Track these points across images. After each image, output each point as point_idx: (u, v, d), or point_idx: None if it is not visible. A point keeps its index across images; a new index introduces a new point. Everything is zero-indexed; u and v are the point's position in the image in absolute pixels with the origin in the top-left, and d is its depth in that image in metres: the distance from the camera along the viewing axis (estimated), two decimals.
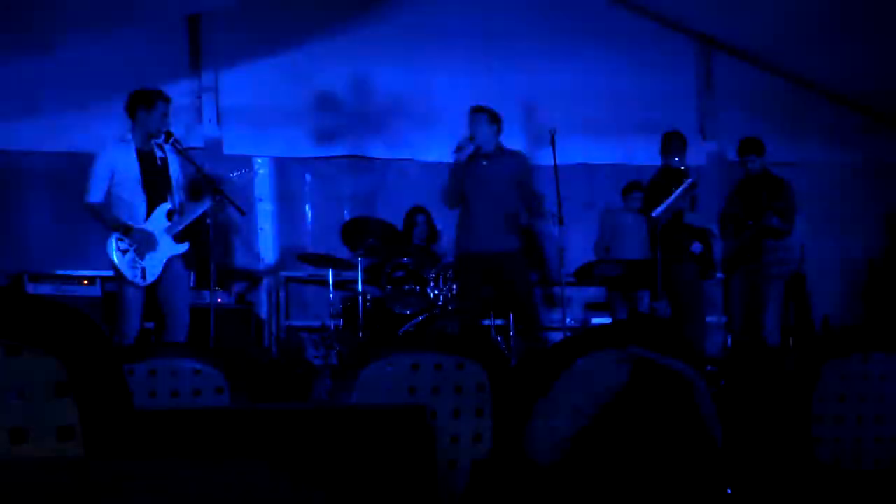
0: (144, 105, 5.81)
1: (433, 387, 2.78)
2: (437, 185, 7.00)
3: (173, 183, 5.91)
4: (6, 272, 6.96)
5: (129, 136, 5.82)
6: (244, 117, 8.10)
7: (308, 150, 8.30)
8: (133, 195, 5.77)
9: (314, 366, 6.11)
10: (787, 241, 6.87)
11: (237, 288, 7.70)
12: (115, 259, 5.65)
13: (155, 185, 5.81)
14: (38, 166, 7.65)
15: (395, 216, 7.83)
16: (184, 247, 5.87)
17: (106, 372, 1.68)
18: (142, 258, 5.70)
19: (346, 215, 8.00)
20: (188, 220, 5.92)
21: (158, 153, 5.90)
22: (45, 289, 6.57)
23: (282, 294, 8.02)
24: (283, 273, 8.06)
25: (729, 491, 3.46)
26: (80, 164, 7.49)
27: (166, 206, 5.84)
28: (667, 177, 6.75)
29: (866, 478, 3.28)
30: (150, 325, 6.29)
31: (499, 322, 7.65)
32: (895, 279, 8.92)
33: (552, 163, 6.89)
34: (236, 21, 8.12)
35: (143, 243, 5.68)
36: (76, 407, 1.65)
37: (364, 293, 7.19)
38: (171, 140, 5.81)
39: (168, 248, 5.81)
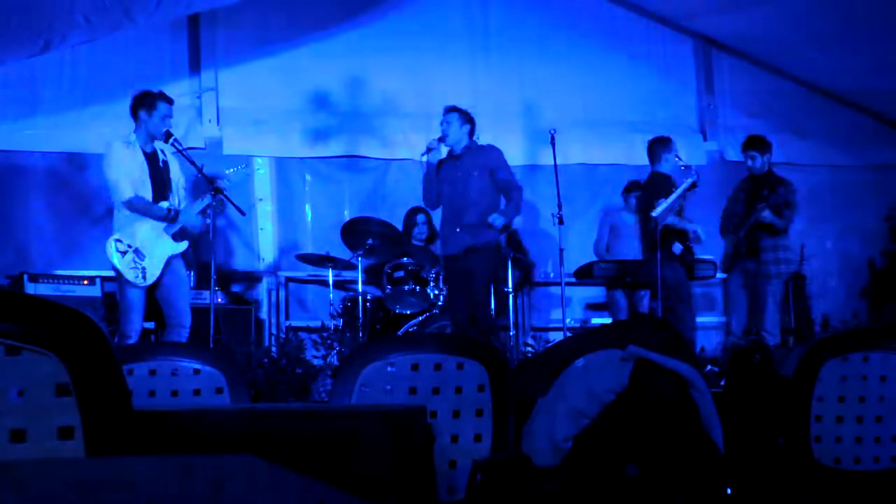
0: (146, 107, 5.83)
1: (433, 387, 2.77)
2: None
3: (173, 184, 5.93)
4: (6, 272, 6.96)
5: (134, 137, 5.83)
6: (244, 117, 8.10)
7: (308, 150, 8.29)
8: (142, 194, 5.79)
9: (314, 366, 6.09)
10: (786, 240, 6.87)
11: (237, 288, 7.69)
12: (115, 260, 5.65)
13: (157, 186, 5.84)
14: (38, 166, 7.64)
15: (395, 216, 7.82)
16: (183, 245, 5.89)
17: (106, 372, 1.68)
18: (142, 258, 5.71)
19: (346, 215, 8.00)
20: (186, 218, 5.93)
21: (161, 155, 5.93)
22: (45, 289, 6.56)
23: (282, 294, 8.01)
24: (283, 273, 8.06)
25: (729, 491, 3.46)
26: (79, 164, 7.53)
27: (165, 205, 5.85)
28: (654, 183, 6.78)
29: (866, 478, 3.28)
30: (150, 325, 6.29)
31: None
32: (895, 279, 8.92)
33: (552, 163, 6.90)
34: (236, 21, 8.12)
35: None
36: (76, 407, 1.65)
37: (364, 293, 7.20)
38: (171, 140, 5.83)
39: (168, 248, 5.82)
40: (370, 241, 7.31)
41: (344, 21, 8.41)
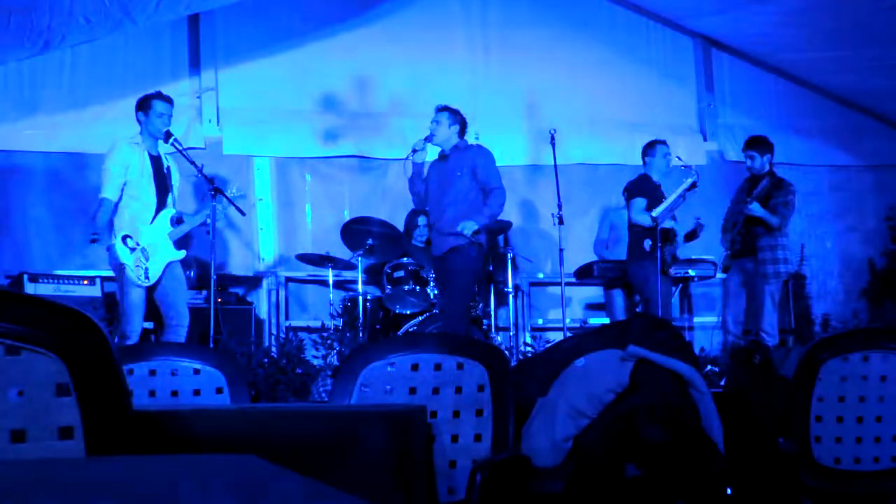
0: (143, 108, 5.86)
1: (433, 387, 2.77)
2: None
3: (175, 190, 5.98)
4: (6, 272, 6.96)
5: (139, 138, 5.85)
6: (244, 117, 8.10)
7: (308, 150, 8.29)
8: (145, 196, 5.81)
9: (314, 366, 6.09)
10: (783, 240, 6.86)
11: (237, 288, 7.69)
12: (123, 257, 5.67)
13: (161, 191, 5.87)
14: (38, 166, 7.64)
15: (395, 216, 7.82)
16: (182, 254, 5.97)
17: (106, 372, 1.68)
18: (147, 259, 5.74)
19: (346, 215, 7.99)
20: (189, 228, 6.01)
21: (165, 161, 5.96)
22: (45, 289, 6.56)
23: (282, 294, 8.01)
24: (283, 273, 8.05)
25: (729, 491, 3.46)
26: (79, 164, 7.52)
27: (170, 212, 5.90)
28: (635, 184, 6.89)
29: (866, 478, 3.28)
30: (149, 325, 6.29)
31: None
32: (895, 279, 8.92)
33: (552, 163, 6.90)
34: (236, 21, 8.13)
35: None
36: (76, 407, 1.65)
37: (364, 293, 7.20)
38: (171, 140, 5.84)
39: (168, 253, 5.86)
40: (370, 241, 7.31)
41: (345, 20, 8.41)
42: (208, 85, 8.06)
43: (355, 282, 7.38)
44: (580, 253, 8.00)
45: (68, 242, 7.47)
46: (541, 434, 3.16)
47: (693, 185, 6.73)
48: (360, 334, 6.90)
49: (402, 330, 6.92)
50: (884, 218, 9.13)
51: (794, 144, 8.80)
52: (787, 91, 9.18)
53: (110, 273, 5.98)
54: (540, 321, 8.43)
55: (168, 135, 5.84)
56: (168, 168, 5.97)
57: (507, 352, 6.27)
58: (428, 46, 8.44)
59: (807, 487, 3.29)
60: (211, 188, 5.94)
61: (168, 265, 5.84)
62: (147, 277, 5.74)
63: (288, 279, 8.09)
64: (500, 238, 8.12)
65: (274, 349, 5.90)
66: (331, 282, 7.46)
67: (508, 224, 7.75)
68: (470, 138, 6.50)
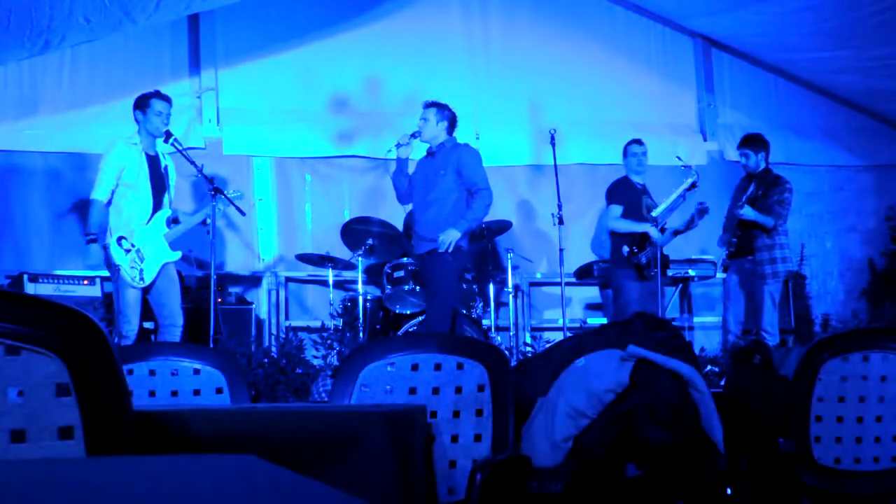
0: (141, 107, 5.86)
1: (433, 387, 2.77)
2: None
3: (172, 191, 5.98)
4: (6, 272, 6.96)
5: (137, 138, 5.85)
6: (244, 117, 8.10)
7: (308, 149, 8.29)
8: (141, 196, 5.81)
9: (314, 366, 6.09)
10: (783, 240, 6.85)
11: (237, 288, 7.69)
12: (117, 258, 5.67)
13: (157, 191, 5.87)
14: (38, 166, 7.64)
15: (395, 216, 7.82)
16: (177, 255, 5.96)
17: (106, 372, 1.68)
18: (142, 260, 5.74)
19: (347, 215, 7.99)
20: (186, 228, 6.00)
21: (163, 160, 5.95)
22: (45, 289, 6.56)
23: (282, 294, 8.01)
24: (283, 273, 8.05)
25: (729, 491, 3.46)
26: (79, 164, 7.52)
27: (167, 213, 5.90)
28: (613, 186, 6.98)
29: (866, 478, 3.28)
30: (149, 325, 6.30)
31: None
32: (895, 279, 8.92)
33: (552, 162, 6.90)
34: (236, 21, 8.13)
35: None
36: (76, 407, 1.65)
37: (364, 293, 7.19)
38: (170, 140, 5.84)
39: (164, 255, 5.87)
40: (370, 241, 7.31)
41: (345, 20, 8.41)
42: (208, 85, 8.07)
43: (355, 282, 7.38)
44: (580, 253, 8.00)
45: (68, 242, 7.46)
46: (541, 434, 3.16)
47: (693, 185, 6.74)
48: (360, 334, 6.90)
49: (401, 330, 6.91)
50: (884, 218, 9.13)
51: (794, 144, 8.80)
52: (787, 91, 9.19)
53: (108, 273, 5.99)
54: (539, 320, 8.43)
55: (168, 134, 5.84)
56: (165, 168, 5.96)
57: (507, 352, 6.27)
58: (428, 47, 8.44)
59: (807, 487, 3.29)
60: (211, 188, 5.94)
61: (163, 266, 5.86)
62: (142, 279, 5.75)
63: (288, 279, 8.09)
64: (500, 238, 8.12)
65: (274, 349, 5.89)
66: (331, 282, 7.46)
67: (508, 224, 7.75)
68: (470, 138, 6.48)
